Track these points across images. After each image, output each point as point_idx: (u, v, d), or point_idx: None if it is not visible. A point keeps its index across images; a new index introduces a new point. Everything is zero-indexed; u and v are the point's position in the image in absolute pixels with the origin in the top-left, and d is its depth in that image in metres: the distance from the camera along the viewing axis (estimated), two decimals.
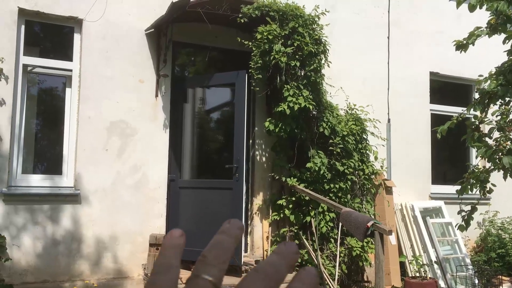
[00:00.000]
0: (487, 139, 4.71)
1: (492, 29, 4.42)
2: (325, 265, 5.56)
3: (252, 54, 5.64)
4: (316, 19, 5.90)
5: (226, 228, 0.44)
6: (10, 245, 5.00)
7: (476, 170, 4.85)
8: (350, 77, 6.79)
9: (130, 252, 5.52)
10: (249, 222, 6.25)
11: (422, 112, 7.52)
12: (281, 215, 5.89)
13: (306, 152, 5.81)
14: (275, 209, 6.04)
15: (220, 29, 6.02)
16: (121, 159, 5.55)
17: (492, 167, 4.65)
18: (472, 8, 4.35)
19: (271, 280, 0.40)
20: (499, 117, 4.81)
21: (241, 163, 5.42)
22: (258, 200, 6.19)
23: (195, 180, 6.07)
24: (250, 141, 6.29)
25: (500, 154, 4.50)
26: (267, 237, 6.12)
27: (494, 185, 4.75)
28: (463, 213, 4.84)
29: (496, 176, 4.79)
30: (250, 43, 5.61)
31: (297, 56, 5.62)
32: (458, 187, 4.83)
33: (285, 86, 5.63)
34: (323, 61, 5.92)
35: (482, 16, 4.88)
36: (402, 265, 6.55)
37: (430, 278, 5.97)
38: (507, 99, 4.71)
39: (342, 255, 5.73)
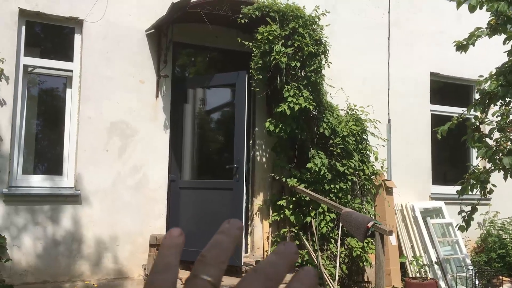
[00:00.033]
0: (487, 139, 4.71)
1: (493, 29, 4.42)
2: (326, 266, 5.56)
3: (252, 54, 5.64)
4: (317, 19, 5.90)
5: (226, 228, 0.44)
6: (10, 245, 5.00)
7: (477, 171, 4.84)
8: (350, 77, 6.79)
9: (131, 252, 5.52)
10: (249, 222, 6.24)
11: (422, 113, 7.52)
12: (282, 216, 5.89)
13: (307, 153, 5.81)
14: (275, 210, 6.04)
15: (220, 30, 6.02)
16: (122, 159, 5.55)
17: (493, 167, 4.65)
18: (472, 9, 4.35)
19: (270, 280, 0.40)
20: (499, 118, 4.81)
21: (241, 164, 5.42)
22: (258, 201, 6.19)
23: (196, 180, 6.07)
24: (251, 142, 6.29)
25: (500, 154, 4.50)
26: (268, 238, 6.12)
27: (494, 186, 4.74)
28: (464, 214, 4.84)
29: (496, 177, 4.79)
30: (251, 44, 5.61)
31: (297, 57, 5.62)
32: (459, 188, 4.82)
33: (286, 86, 5.63)
34: (323, 62, 5.92)
35: (483, 17, 4.87)
36: (403, 265, 6.54)
37: (430, 278, 5.97)
38: (508, 99, 4.71)
39: (342, 255, 5.73)
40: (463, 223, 4.82)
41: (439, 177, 7.77)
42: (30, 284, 5.06)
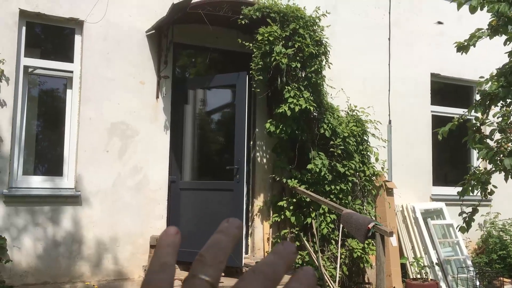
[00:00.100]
0: (488, 140, 4.70)
1: (493, 30, 4.41)
2: (326, 267, 5.55)
3: (253, 55, 5.64)
4: (317, 20, 5.90)
5: (224, 227, 0.44)
6: (10, 246, 5.00)
7: (477, 172, 4.84)
8: (351, 78, 6.79)
9: (131, 253, 5.51)
10: (249, 223, 6.24)
11: (423, 113, 7.51)
12: (282, 217, 5.88)
13: (307, 154, 5.81)
14: (275, 211, 6.03)
15: (221, 31, 6.02)
16: (122, 160, 5.55)
17: (493, 168, 4.64)
18: (473, 10, 4.34)
19: (269, 280, 0.40)
20: (500, 119, 4.80)
21: (241, 165, 5.42)
22: (258, 202, 6.19)
23: (196, 181, 6.07)
24: (251, 143, 6.29)
25: (501, 155, 4.49)
26: (268, 239, 6.12)
27: (495, 187, 4.74)
28: (464, 215, 4.83)
29: (497, 178, 4.78)
30: (251, 45, 5.61)
31: (297, 58, 5.62)
32: (459, 189, 4.81)
33: (286, 87, 5.62)
34: (323, 63, 5.92)
35: (483, 17, 4.87)
36: (403, 266, 6.54)
37: (431, 280, 5.96)
38: (508, 100, 4.70)
39: (343, 256, 5.72)
40: (464, 224, 4.81)
41: (439, 178, 7.76)
42: (30, 285, 5.05)
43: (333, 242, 5.78)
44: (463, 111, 4.93)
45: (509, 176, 4.50)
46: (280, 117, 5.69)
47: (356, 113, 6.44)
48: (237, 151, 5.50)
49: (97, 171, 5.42)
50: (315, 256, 5.53)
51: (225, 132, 6.52)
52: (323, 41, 5.88)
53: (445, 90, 8.08)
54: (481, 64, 6.82)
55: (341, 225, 5.40)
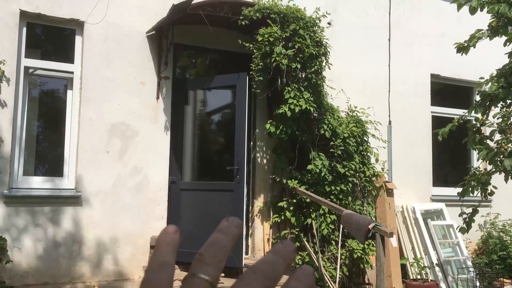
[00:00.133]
0: (488, 141, 4.70)
1: (493, 31, 4.42)
2: (326, 267, 5.55)
3: (253, 56, 5.64)
4: (317, 21, 5.90)
5: (224, 227, 0.44)
6: (11, 247, 5.00)
7: (478, 173, 4.84)
8: (351, 78, 6.79)
9: (131, 254, 5.51)
10: (250, 224, 6.24)
11: (423, 114, 7.51)
12: (282, 217, 5.88)
13: (307, 154, 5.81)
14: (276, 211, 6.03)
15: (221, 31, 6.02)
16: (122, 161, 5.55)
17: (493, 169, 4.64)
18: (473, 11, 4.35)
19: (268, 279, 0.40)
20: (500, 120, 4.81)
21: (242, 165, 5.42)
22: (259, 202, 6.19)
23: (196, 182, 6.07)
24: (251, 143, 6.29)
25: (501, 156, 4.49)
26: (268, 239, 6.11)
27: (495, 188, 4.74)
28: (464, 216, 4.83)
29: (497, 179, 4.78)
30: (251, 45, 5.61)
31: (298, 58, 5.62)
32: (459, 189, 4.81)
33: (286, 88, 5.63)
34: (324, 63, 5.92)
35: (483, 18, 4.87)
36: (403, 267, 6.53)
37: (431, 280, 5.96)
38: (508, 101, 4.70)
39: (343, 257, 5.72)
40: (464, 225, 4.81)
41: (440, 179, 7.76)
42: (31, 285, 5.05)
43: (333, 242, 5.78)
44: (463, 112, 4.93)
45: (509, 177, 4.50)
46: (280, 118, 5.69)
47: (356, 113, 6.44)
48: (237, 152, 5.50)
49: (98, 171, 5.42)
50: (315, 257, 5.53)
51: (225, 132, 6.52)
52: (323, 42, 5.88)
53: (445, 90, 8.08)
54: (481, 65, 6.81)
55: (341, 226, 5.40)
